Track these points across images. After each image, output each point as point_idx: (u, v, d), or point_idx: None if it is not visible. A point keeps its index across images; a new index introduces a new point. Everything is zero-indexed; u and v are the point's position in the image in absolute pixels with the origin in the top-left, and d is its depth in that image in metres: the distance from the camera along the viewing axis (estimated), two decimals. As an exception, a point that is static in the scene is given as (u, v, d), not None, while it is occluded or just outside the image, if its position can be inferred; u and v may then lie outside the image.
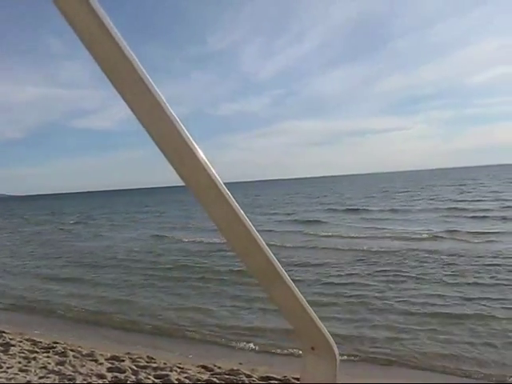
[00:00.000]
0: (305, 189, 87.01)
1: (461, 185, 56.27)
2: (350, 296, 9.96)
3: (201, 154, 0.66)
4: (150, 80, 0.60)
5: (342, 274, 12.22)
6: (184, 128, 0.64)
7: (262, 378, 6.08)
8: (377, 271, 12.28)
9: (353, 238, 19.05)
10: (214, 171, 0.68)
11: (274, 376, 6.12)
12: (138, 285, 12.51)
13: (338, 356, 0.90)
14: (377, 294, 9.94)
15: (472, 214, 24.01)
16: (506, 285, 10.04)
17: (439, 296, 9.53)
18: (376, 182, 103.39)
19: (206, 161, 0.67)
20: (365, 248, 16.00)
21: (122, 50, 0.58)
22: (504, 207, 26.19)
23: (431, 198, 38.40)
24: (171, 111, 0.62)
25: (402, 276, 11.50)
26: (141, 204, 67.70)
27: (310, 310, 0.86)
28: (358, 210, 31.81)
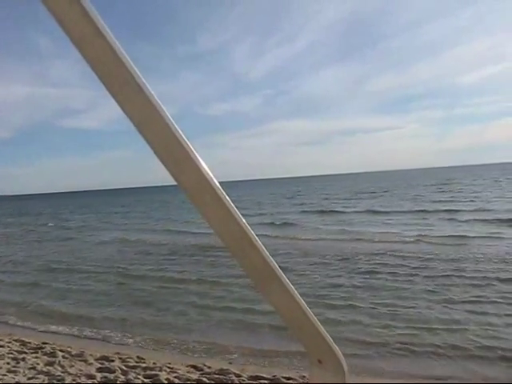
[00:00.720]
0: (292, 188, 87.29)
1: (443, 184, 57.02)
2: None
3: (195, 154, 0.65)
4: (144, 80, 0.59)
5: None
6: (178, 129, 0.62)
7: (252, 378, 6.12)
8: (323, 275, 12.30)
9: (312, 240, 19.20)
10: (209, 172, 0.67)
11: (264, 375, 6.16)
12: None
13: (346, 370, 0.86)
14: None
15: (442, 216, 24.04)
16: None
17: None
18: (363, 181, 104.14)
19: (201, 161, 0.66)
20: (322, 251, 15.86)
21: (114, 50, 0.57)
22: (476, 209, 25.99)
23: (409, 198, 38.29)
24: (165, 112, 0.61)
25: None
26: (124, 204, 67.36)
27: (315, 319, 0.82)
28: (331, 211, 31.73)
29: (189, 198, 0.68)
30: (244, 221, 0.71)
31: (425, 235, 18.00)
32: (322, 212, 31.69)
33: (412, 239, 17.36)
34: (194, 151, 0.64)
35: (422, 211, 27.22)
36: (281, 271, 0.77)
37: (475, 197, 33.60)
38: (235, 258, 0.74)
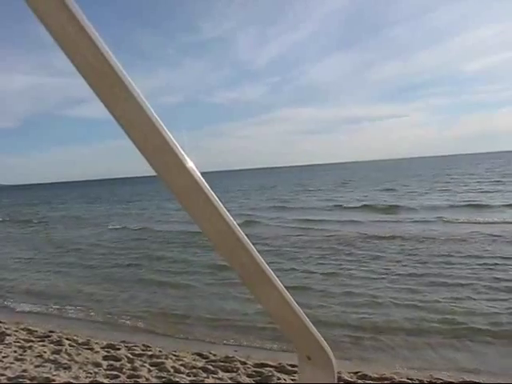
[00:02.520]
0: (290, 179, 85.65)
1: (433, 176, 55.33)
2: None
3: (183, 153, 0.64)
4: (131, 81, 0.58)
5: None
6: (165, 128, 0.62)
7: (257, 365, 6.13)
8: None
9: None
10: (197, 172, 0.66)
11: (269, 363, 6.18)
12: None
13: (335, 365, 0.87)
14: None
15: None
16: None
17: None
18: (361, 171, 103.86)
19: (189, 161, 0.65)
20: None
21: (100, 52, 0.55)
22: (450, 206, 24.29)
23: (382, 190, 36.89)
24: (153, 112, 0.60)
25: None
26: (124, 194, 66.95)
27: (304, 316, 0.83)
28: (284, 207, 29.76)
29: (177, 199, 0.67)
30: (232, 220, 0.71)
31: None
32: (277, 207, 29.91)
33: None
34: (181, 150, 0.64)
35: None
36: (270, 269, 0.77)
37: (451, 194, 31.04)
38: (224, 257, 0.74)
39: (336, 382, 0.87)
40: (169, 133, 0.62)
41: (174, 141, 0.63)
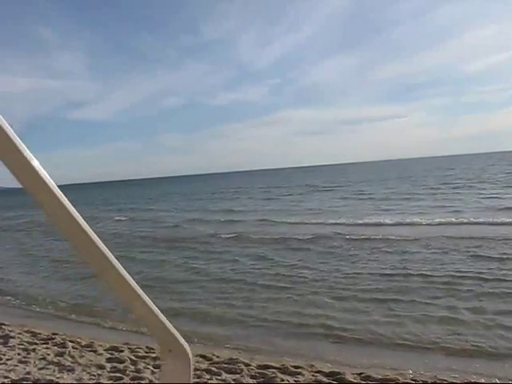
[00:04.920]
0: (272, 181, 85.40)
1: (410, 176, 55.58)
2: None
3: (28, 153, 0.65)
4: None
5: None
6: (13, 133, 0.63)
7: (261, 367, 6.13)
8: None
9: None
10: (46, 175, 0.69)
11: (273, 364, 6.17)
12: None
13: (191, 356, 1.03)
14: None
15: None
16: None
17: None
18: (356, 172, 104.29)
19: (35, 160, 0.67)
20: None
21: None
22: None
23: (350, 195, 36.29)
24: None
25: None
26: (119, 197, 66.00)
27: (162, 317, 0.94)
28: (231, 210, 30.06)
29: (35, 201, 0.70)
30: (76, 212, 0.74)
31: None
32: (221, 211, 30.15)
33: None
34: (28, 153, 0.65)
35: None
36: (120, 265, 0.83)
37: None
38: (76, 251, 0.79)
39: (192, 369, 1.05)
40: (16, 136, 0.63)
41: (21, 142, 0.64)
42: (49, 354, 6.74)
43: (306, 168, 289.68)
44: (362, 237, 16.26)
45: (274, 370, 5.96)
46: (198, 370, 6.05)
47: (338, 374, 5.83)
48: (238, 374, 5.95)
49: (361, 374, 5.84)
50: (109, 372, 6.05)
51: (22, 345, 7.24)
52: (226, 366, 6.19)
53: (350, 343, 7.13)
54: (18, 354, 6.76)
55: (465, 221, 18.23)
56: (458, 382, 5.67)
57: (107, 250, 0.80)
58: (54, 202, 0.71)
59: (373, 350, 6.87)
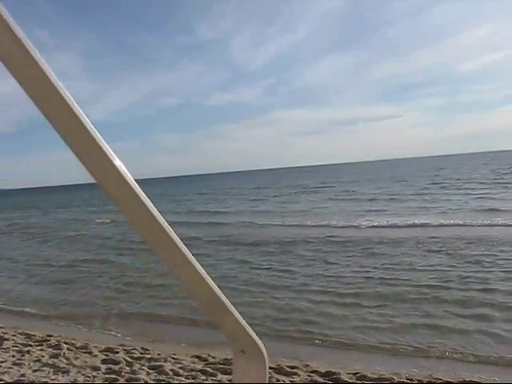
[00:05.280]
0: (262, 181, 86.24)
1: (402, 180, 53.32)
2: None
3: (111, 152, 0.66)
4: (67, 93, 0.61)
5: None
6: (95, 130, 0.64)
7: (256, 367, 6.11)
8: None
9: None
10: (127, 172, 0.68)
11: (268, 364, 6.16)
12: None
13: (267, 357, 0.93)
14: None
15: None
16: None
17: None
18: (350, 171, 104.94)
19: (117, 159, 0.67)
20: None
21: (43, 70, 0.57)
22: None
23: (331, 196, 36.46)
24: (89, 123, 0.63)
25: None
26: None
27: (236, 313, 0.87)
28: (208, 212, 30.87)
29: (111, 200, 0.69)
30: (158, 214, 0.73)
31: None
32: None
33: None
34: (109, 149, 0.65)
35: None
36: (196, 262, 0.79)
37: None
38: (153, 251, 0.77)
39: (268, 373, 0.94)
40: (98, 134, 0.64)
41: (102, 139, 0.65)
42: (43, 356, 6.70)
43: (301, 168, 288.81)
44: (341, 240, 16.13)
45: (270, 370, 5.96)
46: (193, 370, 6.05)
47: (334, 373, 5.84)
48: (234, 374, 5.94)
49: (356, 373, 5.85)
50: (104, 373, 6.03)
51: (16, 347, 7.20)
52: (221, 366, 6.19)
53: (329, 346, 7.15)
54: (13, 356, 6.72)
55: (445, 222, 18.33)
56: (453, 381, 5.69)
57: (186, 248, 0.78)
58: (132, 199, 0.70)
59: (354, 352, 6.89)
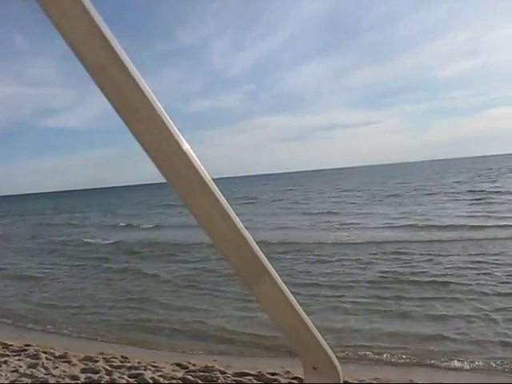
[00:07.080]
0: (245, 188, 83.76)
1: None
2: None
3: (186, 145, 0.62)
4: (139, 76, 0.57)
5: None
6: (170, 120, 0.60)
7: (237, 374, 6.15)
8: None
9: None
10: (200, 164, 0.64)
11: (249, 372, 6.20)
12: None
13: (341, 376, 0.82)
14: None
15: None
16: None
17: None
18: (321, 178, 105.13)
19: (191, 151, 0.63)
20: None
21: (114, 51, 0.54)
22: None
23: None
24: (160, 107, 0.59)
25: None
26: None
27: (311, 325, 0.78)
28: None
29: (177, 193, 0.64)
30: (236, 217, 0.68)
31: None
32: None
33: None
34: (185, 142, 0.62)
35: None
36: (273, 270, 0.73)
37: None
38: (226, 257, 0.70)
39: None
40: (172, 123, 0.61)
41: (176, 128, 0.61)
42: (21, 366, 6.60)
43: (279, 175, 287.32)
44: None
45: (251, 378, 5.99)
46: (173, 378, 6.04)
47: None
48: (214, 382, 5.96)
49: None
50: (83, 383, 5.98)
51: (-7, 357, 7.07)
52: (201, 374, 6.19)
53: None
54: (-11, 367, 6.61)
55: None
56: (447, 382, 5.84)
57: (262, 255, 0.71)
58: (206, 196, 0.65)
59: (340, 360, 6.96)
